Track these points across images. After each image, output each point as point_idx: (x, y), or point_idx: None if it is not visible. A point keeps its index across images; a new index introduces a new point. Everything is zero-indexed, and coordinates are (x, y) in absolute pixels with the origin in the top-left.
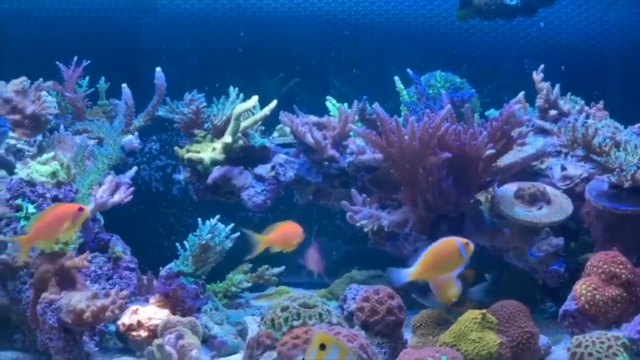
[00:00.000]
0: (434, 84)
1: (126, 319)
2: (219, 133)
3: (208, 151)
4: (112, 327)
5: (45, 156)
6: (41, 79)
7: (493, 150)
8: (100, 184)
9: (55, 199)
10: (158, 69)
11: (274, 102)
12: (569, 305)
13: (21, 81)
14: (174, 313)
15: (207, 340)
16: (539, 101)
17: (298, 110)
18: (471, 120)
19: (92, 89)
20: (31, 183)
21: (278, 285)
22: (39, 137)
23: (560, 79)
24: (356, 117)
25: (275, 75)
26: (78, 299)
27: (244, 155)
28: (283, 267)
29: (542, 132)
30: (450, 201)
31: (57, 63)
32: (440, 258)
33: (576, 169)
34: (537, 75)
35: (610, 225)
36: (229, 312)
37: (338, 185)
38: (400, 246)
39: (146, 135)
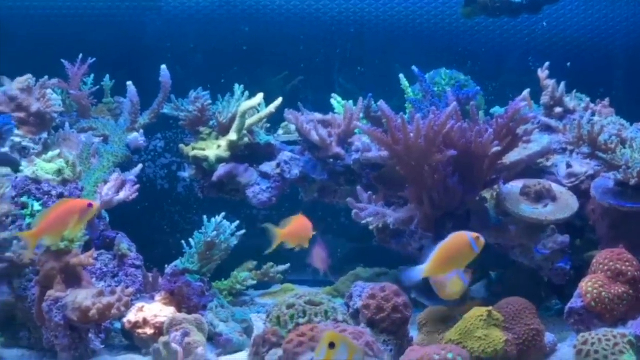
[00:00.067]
0: (439, 82)
1: (132, 316)
2: (224, 130)
3: (213, 149)
4: (117, 325)
5: (50, 154)
6: (46, 77)
7: (499, 148)
8: (105, 182)
9: (60, 197)
10: (163, 66)
11: (280, 100)
12: (575, 302)
13: (26, 79)
14: (179, 310)
15: (212, 338)
16: (545, 98)
17: (303, 107)
18: (477, 118)
19: (97, 87)
20: (37, 181)
21: (283, 283)
22: (44, 135)
23: (565, 77)
24: (361, 115)
25: (279, 73)
26: (84, 297)
27: (249, 153)
28: (288, 265)
29: (548, 129)
30: (455, 199)
31: (62, 61)
32: (453, 253)
33: (582, 167)
34: (543, 73)
35: (616, 223)
36: (235, 309)
37: (343, 182)
38: (405, 244)
39: (151, 133)
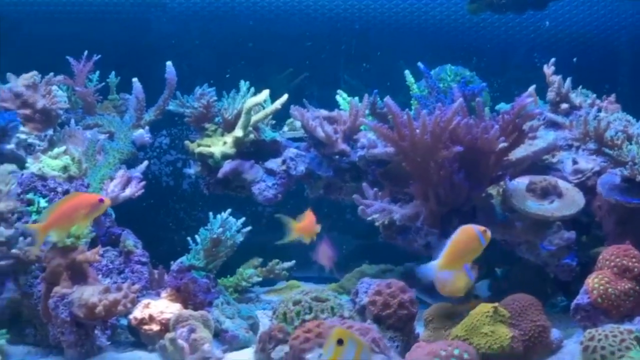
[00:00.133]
0: (444, 78)
1: (138, 312)
2: (229, 127)
3: (219, 145)
4: (123, 322)
5: (56, 150)
6: (52, 74)
7: (505, 144)
8: (111, 178)
9: (66, 194)
10: (168, 63)
11: (285, 96)
12: (581, 299)
13: (32, 75)
14: (185, 307)
15: (218, 334)
16: (550, 94)
17: (308, 104)
18: (482, 114)
19: (103, 84)
20: (43, 177)
21: (288, 280)
22: (50, 132)
23: (570, 73)
24: (367, 111)
25: (284, 69)
26: (90, 293)
27: (254, 150)
28: (293, 262)
29: (554, 125)
30: (461, 195)
31: (68, 58)
32: (463, 246)
33: (588, 163)
34: (548, 69)
35: (623, 219)
36: (241, 306)
37: (349, 179)
38: (411, 240)
39: (156, 129)
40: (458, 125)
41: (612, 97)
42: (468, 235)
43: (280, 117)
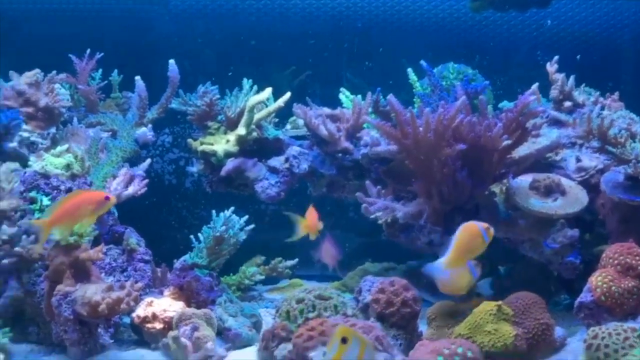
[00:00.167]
0: (447, 76)
1: (141, 311)
2: (232, 125)
3: (222, 143)
4: (126, 320)
5: (59, 148)
6: (54, 72)
7: (509, 142)
8: (114, 177)
9: (69, 192)
10: (171, 61)
11: (288, 94)
12: (584, 297)
13: (34, 74)
14: (188, 305)
15: (221, 333)
16: (554, 92)
17: (311, 102)
18: (486, 112)
19: (105, 82)
20: (45, 175)
21: (291, 278)
22: (52, 130)
23: (573, 71)
24: (370, 110)
25: (287, 67)
26: (93, 291)
27: (257, 147)
28: (296, 260)
29: (557, 123)
30: (464, 193)
31: (70, 56)
32: (469, 243)
33: (591, 161)
34: (552, 67)
35: (626, 217)
36: (244, 304)
37: (352, 177)
38: (414, 238)
39: (159, 127)
40: (461, 123)
41: (616, 95)
42: (471, 232)
43: (283, 115)
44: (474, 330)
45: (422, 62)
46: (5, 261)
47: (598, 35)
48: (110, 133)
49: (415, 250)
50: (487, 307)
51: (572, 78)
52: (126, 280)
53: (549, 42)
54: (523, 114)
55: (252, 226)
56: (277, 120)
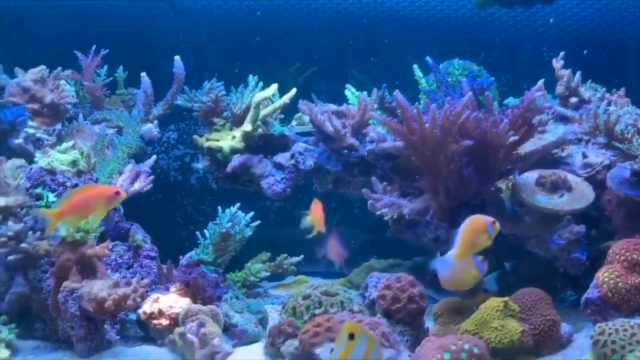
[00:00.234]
0: (452, 72)
1: (147, 307)
2: (238, 121)
3: (227, 139)
4: (132, 316)
5: (65, 145)
6: (59, 68)
7: (515, 137)
8: (120, 173)
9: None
10: (177, 57)
11: (294, 90)
12: (591, 293)
13: (40, 70)
14: (194, 301)
15: (227, 329)
16: (560, 88)
17: (316, 98)
18: (492, 108)
19: (110, 78)
20: (51, 172)
21: (296, 275)
22: (58, 126)
23: (579, 67)
24: (375, 106)
25: (292, 64)
26: (99, 288)
27: (263, 144)
28: (302, 257)
29: (563, 119)
30: (471, 189)
31: (76, 52)
32: (475, 235)
33: (597, 157)
34: (557, 63)
35: (632, 213)
36: (250, 300)
37: (357, 173)
38: (420, 234)
39: (164, 124)
40: (467, 119)
41: (622, 91)
42: (476, 225)
43: (288, 112)
44: (480, 326)
45: (428, 59)
46: (11, 257)
47: (604, 31)
48: (115, 129)
49: (421, 246)
50: (494, 303)
51: (578, 74)
52: (132, 277)
53: (554, 38)
54: (529, 110)
55: (257, 222)
56: (282, 116)
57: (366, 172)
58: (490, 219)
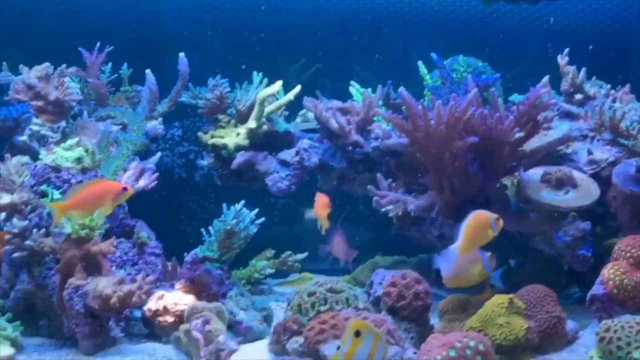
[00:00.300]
0: (457, 69)
1: (152, 304)
2: (242, 118)
3: (232, 136)
4: (137, 313)
5: (69, 142)
6: (64, 65)
7: (522, 134)
8: (124, 170)
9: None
10: (181, 54)
11: (298, 87)
12: (597, 289)
13: (44, 67)
14: (199, 299)
15: (232, 326)
16: (564, 85)
17: (321, 95)
18: (497, 105)
19: (115, 75)
20: (56, 169)
21: (301, 272)
22: (63, 124)
23: (583, 63)
24: (380, 102)
25: (296, 61)
26: (104, 285)
27: (268, 141)
28: (306, 254)
29: (568, 116)
30: (476, 186)
31: (80, 49)
32: (478, 230)
33: (603, 153)
34: (562, 59)
35: (638, 210)
36: (254, 298)
37: (362, 170)
38: (425, 231)
39: (169, 121)
40: (473, 116)
41: (627, 88)
42: (480, 220)
43: (293, 109)
44: (485, 323)
45: (433, 55)
46: (16, 255)
47: (608, 27)
48: (120, 126)
49: (426, 243)
50: (499, 300)
51: (583, 70)
52: (137, 274)
53: (559, 34)
54: (534, 106)
55: (262, 219)
56: (287, 113)
57: (371, 169)
58: (495, 215)
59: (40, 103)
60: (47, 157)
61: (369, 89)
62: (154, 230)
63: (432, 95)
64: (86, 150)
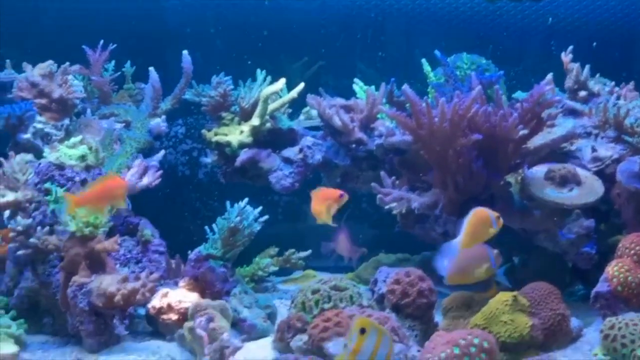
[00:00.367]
0: (461, 66)
1: (156, 302)
2: (246, 116)
3: (236, 134)
4: (141, 311)
5: (73, 140)
6: (67, 63)
7: (526, 131)
8: (128, 168)
9: (84, 183)
10: (185, 52)
11: (302, 85)
12: (601, 287)
13: (48, 65)
14: (203, 296)
15: (236, 324)
16: (569, 82)
17: (324, 93)
18: (501, 102)
19: (118, 73)
20: (60, 166)
21: (304, 269)
22: (66, 121)
23: (587, 61)
24: (384, 100)
25: (299, 58)
26: (109, 282)
27: (271, 138)
28: (309, 251)
29: (572, 113)
30: (480, 183)
31: (83, 47)
32: (478, 228)
33: (607, 150)
34: (566, 57)
35: None
36: (258, 295)
37: (366, 168)
38: (429, 229)
39: (172, 119)
40: (477, 113)
41: (631, 85)
42: (480, 217)
43: (296, 106)
44: (489, 320)
45: (437, 52)
46: (20, 252)
47: (612, 24)
48: (123, 124)
49: (430, 241)
50: (503, 297)
51: (587, 68)
52: (141, 272)
53: (563, 31)
54: (538, 104)
55: (266, 217)
56: (290, 111)
57: (375, 167)
58: (496, 213)
59: (43, 101)
60: (50, 155)
61: (373, 87)
62: (157, 227)
63: (435, 93)
64: (90, 148)
